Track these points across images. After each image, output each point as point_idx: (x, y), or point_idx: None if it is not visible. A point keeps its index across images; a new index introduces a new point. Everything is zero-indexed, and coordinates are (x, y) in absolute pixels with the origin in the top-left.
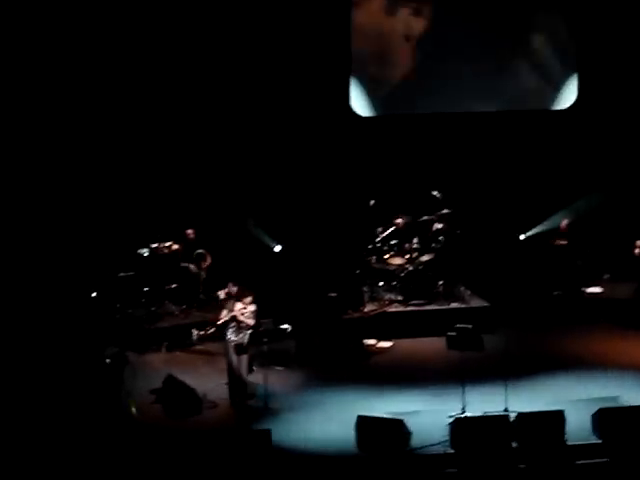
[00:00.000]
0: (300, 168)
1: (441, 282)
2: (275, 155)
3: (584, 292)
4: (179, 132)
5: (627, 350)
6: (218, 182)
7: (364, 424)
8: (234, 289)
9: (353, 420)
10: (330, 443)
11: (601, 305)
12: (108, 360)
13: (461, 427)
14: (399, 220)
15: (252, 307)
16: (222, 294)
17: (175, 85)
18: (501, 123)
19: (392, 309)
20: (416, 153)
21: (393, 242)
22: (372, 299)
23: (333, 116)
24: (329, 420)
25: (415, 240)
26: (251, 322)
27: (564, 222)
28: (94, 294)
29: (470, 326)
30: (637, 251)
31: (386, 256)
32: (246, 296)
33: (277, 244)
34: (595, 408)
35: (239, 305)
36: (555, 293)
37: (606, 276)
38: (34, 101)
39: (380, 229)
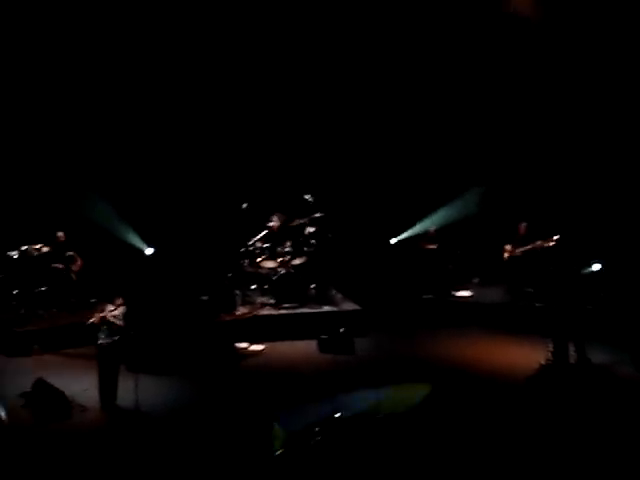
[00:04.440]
0: (173, 170)
1: (313, 285)
2: (150, 157)
3: (454, 296)
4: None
5: (495, 352)
6: (87, 184)
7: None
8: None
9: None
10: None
11: (470, 308)
12: None
13: (332, 427)
14: (273, 221)
15: (122, 309)
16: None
17: None
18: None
19: (264, 312)
20: (286, 156)
21: (266, 245)
22: (244, 302)
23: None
24: (199, 423)
25: (287, 243)
26: (121, 324)
27: (433, 227)
28: None
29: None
30: (506, 255)
31: (258, 259)
32: (117, 298)
33: (149, 247)
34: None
35: (109, 307)
36: (425, 297)
37: (475, 280)
38: None
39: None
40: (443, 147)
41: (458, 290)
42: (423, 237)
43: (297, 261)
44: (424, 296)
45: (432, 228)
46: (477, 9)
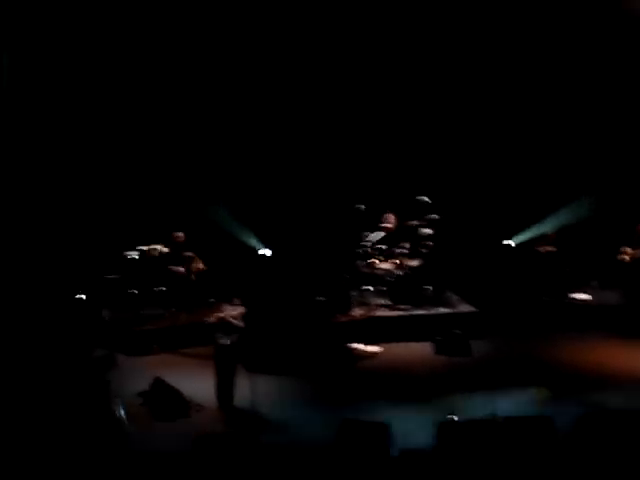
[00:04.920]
0: (288, 171)
1: (429, 287)
2: (265, 158)
3: (572, 298)
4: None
5: (614, 356)
6: (207, 186)
7: (348, 427)
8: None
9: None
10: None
11: (589, 312)
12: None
13: (448, 431)
14: (389, 220)
15: (241, 310)
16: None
17: None
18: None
19: (380, 313)
20: (404, 157)
21: (382, 247)
22: (360, 303)
23: None
24: (315, 424)
25: (404, 245)
26: (240, 324)
27: (552, 230)
28: (82, 296)
29: (459, 331)
30: (624, 257)
31: (375, 260)
32: (235, 299)
33: (266, 248)
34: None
35: (228, 307)
36: (543, 299)
37: (594, 283)
38: None
39: (369, 235)
40: (559, 149)
41: (575, 293)
42: (542, 239)
43: (413, 262)
44: (542, 298)
45: (551, 231)
46: (598, 6)
